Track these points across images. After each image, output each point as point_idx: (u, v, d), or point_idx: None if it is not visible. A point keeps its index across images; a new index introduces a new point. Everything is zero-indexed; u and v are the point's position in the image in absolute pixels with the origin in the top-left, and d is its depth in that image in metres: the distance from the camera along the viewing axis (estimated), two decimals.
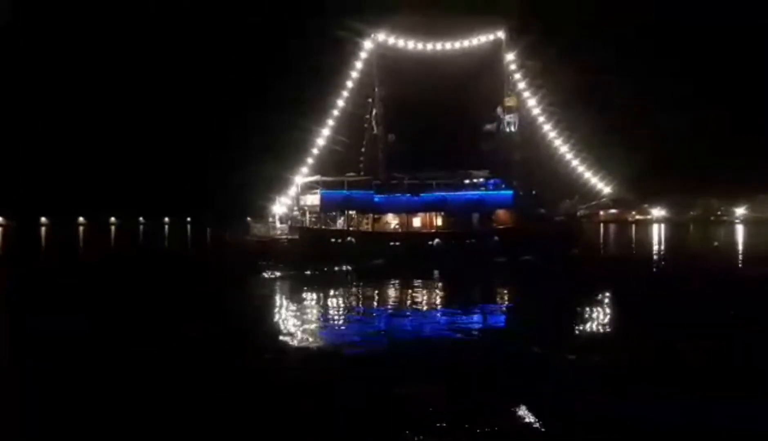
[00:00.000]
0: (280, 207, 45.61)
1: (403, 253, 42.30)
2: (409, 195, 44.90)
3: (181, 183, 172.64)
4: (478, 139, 47.99)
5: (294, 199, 45.73)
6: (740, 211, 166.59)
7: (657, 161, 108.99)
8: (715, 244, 68.02)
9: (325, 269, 35.34)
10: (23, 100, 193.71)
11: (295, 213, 45.17)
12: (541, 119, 46.69)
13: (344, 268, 36.63)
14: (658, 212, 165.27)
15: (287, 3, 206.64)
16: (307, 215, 45.49)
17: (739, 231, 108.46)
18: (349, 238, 43.83)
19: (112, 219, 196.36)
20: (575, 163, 46.64)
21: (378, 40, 46.08)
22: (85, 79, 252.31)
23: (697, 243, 71.93)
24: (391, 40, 46.17)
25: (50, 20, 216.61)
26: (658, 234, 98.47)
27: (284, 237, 44.43)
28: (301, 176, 45.65)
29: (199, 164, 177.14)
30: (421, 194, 44.80)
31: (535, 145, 46.62)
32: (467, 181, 46.14)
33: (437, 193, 44.87)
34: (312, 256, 39.98)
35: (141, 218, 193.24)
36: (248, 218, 48.91)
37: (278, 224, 45.24)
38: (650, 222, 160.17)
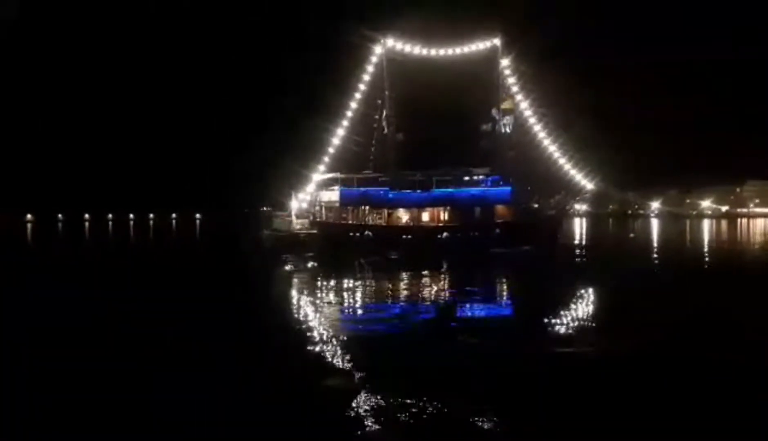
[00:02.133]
0: (296, 202, 47.86)
1: (416, 246, 45.35)
2: (419, 191, 48.08)
3: (187, 181, 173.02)
4: (476, 138, 51.62)
5: (312, 195, 48.06)
6: (655, 205, 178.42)
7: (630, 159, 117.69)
8: (632, 235, 78.09)
9: (354, 261, 37.85)
10: (28, 95, 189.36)
11: (316, 208, 47.50)
12: (532, 121, 50.69)
13: (361, 261, 38.71)
14: (579, 206, 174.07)
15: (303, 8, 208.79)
16: (323, 210, 47.96)
17: (654, 224, 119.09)
18: (366, 232, 46.64)
19: (28, 216, 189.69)
20: (562, 161, 50.88)
21: (387, 45, 48.95)
22: (90, 77, 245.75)
23: (618, 234, 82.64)
24: (399, 46, 49.12)
25: (57, 18, 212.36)
26: (582, 227, 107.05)
27: (304, 231, 46.77)
28: (318, 174, 48.06)
29: (208, 164, 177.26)
30: (431, 190, 48.05)
31: (527, 145, 50.64)
32: (467, 178, 49.73)
33: (445, 190, 48.24)
34: (335, 249, 42.71)
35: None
36: (265, 208, 50.80)
37: (295, 219, 47.52)
38: (573, 215, 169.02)
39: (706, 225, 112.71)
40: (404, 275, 32.56)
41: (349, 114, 48.45)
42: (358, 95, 48.59)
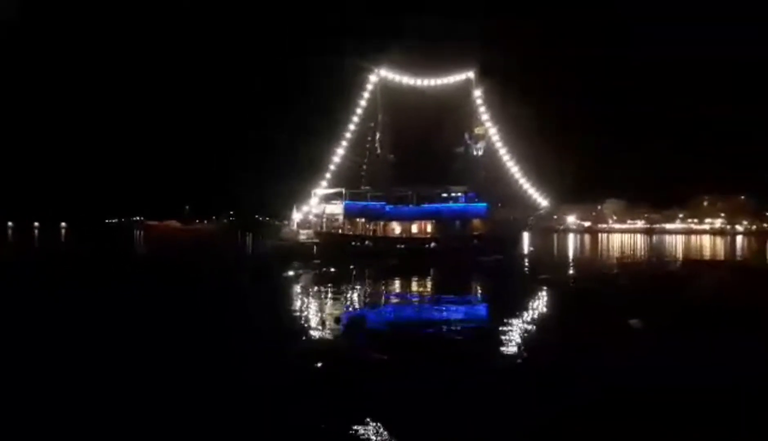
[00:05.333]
0: (298, 214, 51.74)
1: (409, 254, 50.60)
2: (411, 206, 53.50)
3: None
4: (451, 159, 57.81)
5: (314, 207, 52.19)
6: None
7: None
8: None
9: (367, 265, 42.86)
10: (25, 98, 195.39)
11: (322, 219, 51.66)
12: (499, 145, 57.51)
13: (352, 267, 41.93)
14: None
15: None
16: (324, 221, 52.18)
17: (528, 237, 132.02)
18: (366, 242, 51.37)
19: None
20: (522, 181, 57.98)
21: (380, 75, 54.20)
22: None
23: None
24: (390, 76, 54.56)
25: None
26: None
27: (308, 241, 50.67)
28: (321, 189, 52.27)
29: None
30: (422, 205, 53.65)
31: (495, 166, 57.37)
32: (446, 195, 55.72)
33: (433, 205, 54.01)
34: (343, 256, 47.13)
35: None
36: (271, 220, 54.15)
37: (297, 229, 51.43)
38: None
39: (571, 239, 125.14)
40: (397, 280, 36.94)
41: (348, 135, 53.14)
42: (355, 119, 53.49)
